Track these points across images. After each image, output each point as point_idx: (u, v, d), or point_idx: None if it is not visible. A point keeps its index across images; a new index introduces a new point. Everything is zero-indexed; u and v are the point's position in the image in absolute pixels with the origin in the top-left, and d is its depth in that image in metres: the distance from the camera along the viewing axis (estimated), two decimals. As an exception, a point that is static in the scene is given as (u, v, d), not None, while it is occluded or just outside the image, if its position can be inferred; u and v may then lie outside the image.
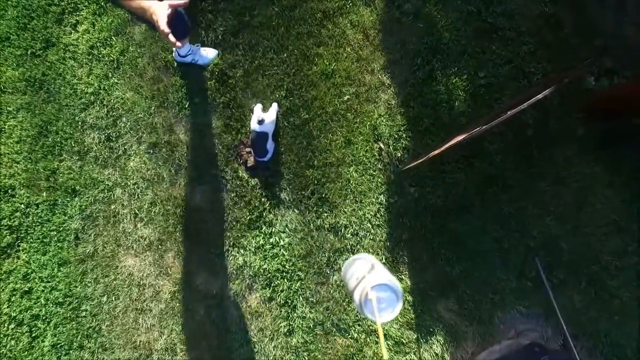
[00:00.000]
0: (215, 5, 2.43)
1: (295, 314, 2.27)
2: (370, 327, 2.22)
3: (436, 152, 1.71)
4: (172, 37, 1.27)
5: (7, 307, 2.38)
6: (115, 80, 2.45)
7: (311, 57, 2.37)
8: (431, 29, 2.34)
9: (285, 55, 2.38)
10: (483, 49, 2.31)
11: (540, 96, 1.35)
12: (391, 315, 1.18)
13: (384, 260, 2.25)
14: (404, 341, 2.20)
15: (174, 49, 2.34)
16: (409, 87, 2.32)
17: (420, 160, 1.88)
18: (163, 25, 1.27)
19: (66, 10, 2.49)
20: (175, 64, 2.40)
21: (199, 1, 2.43)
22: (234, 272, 2.31)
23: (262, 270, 2.30)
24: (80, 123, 2.44)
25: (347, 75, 2.35)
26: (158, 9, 1.30)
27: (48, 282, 2.38)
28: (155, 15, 1.29)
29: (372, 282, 1.19)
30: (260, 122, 2.17)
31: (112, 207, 2.40)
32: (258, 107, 2.31)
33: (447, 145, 1.72)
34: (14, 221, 2.42)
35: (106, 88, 2.45)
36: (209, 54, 2.37)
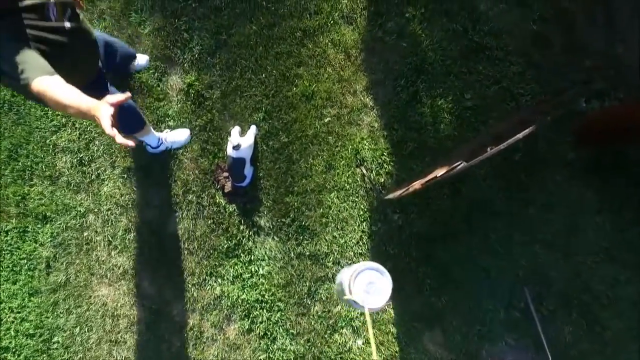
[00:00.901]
0: (190, 24, 2.33)
1: (275, 346, 2.18)
2: (353, 361, 2.14)
3: (418, 186, 1.63)
4: (120, 139, 1.09)
5: (-24, 339, 2.29)
6: (88, 102, 2.35)
7: (291, 78, 2.27)
8: (415, 48, 2.25)
9: (263, 75, 2.28)
10: (469, 70, 2.22)
11: (520, 136, 1.26)
12: (385, 296, 1.40)
13: (366, 290, 2.16)
14: (387, 375, 2.12)
15: (144, 143, 2.21)
16: (393, 109, 2.23)
17: (402, 193, 1.79)
18: (108, 128, 1.09)
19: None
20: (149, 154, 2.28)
21: (174, 19, 2.34)
22: (212, 302, 2.22)
23: (240, 301, 2.20)
24: (51, 146, 2.35)
25: (328, 97, 2.26)
26: (98, 109, 1.12)
27: (18, 312, 2.29)
28: (97, 118, 1.12)
29: (353, 283, 1.42)
30: (236, 147, 2.07)
31: (85, 234, 2.30)
32: (235, 130, 2.22)
33: (428, 178, 1.63)
34: (-17, 249, 2.33)
35: (78, 110, 2.35)
36: (181, 135, 2.27)
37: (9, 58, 1.20)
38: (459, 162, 1.60)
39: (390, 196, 1.88)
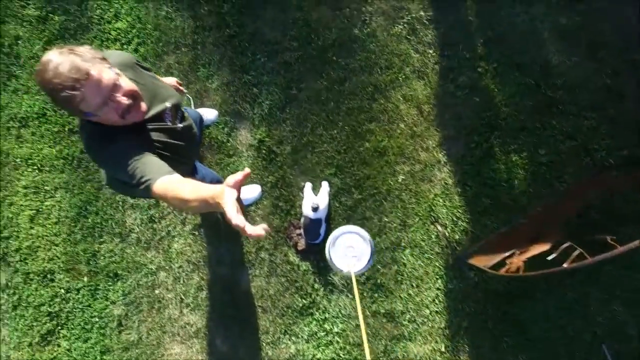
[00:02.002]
0: (259, 78, 2.32)
1: (351, 405, 2.18)
2: (432, 421, 2.13)
3: (520, 264, 1.62)
4: (250, 228, 0.83)
5: (49, 397, 2.29)
6: (157, 158, 2.34)
7: (362, 133, 2.27)
8: (488, 103, 2.24)
9: (335, 131, 2.28)
10: (543, 125, 2.21)
11: (637, 243, 1.27)
12: (364, 260, 1.40)
13: (442, 348, 2.16)
14: None
15: None
16: (466, 165, 2.22)
17: (494, 264, 1.78)
18: (234, 217, 0.82)
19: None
20: None
21: (242, 74, 2.33)
22: (286, 360, 2.22)
23: None
24: (120, 203, 2.34)
25: (400, 153, 2.25)
26: (222, 195, 0.87)
27: (91, 371, 2.29)
28: (221, 205, 0.88)
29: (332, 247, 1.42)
30: (315, 209, 2.07)
31: (157, 291, 2.30)
32: (308, 187, 2.22)
33: (530, 255, 1.62)
34: (54, 307, 2.32)
35: (147, 166, 2.34)
36: (252, 192, 2.25)
37: (133, 168, 1.16)
38: (568, 244, 1.60)
39: (479, 265, 1.87)
